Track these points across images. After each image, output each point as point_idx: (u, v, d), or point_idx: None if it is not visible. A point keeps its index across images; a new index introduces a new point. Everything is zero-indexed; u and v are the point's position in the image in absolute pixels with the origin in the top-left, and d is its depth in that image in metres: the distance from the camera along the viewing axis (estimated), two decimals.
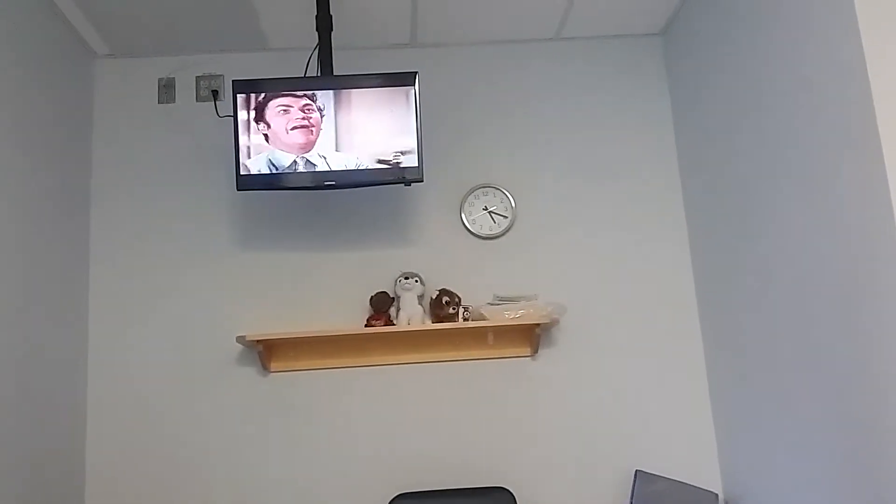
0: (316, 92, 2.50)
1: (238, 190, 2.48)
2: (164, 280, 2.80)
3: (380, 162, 2.48)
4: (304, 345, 2.75)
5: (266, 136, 2.48)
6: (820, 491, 2.05)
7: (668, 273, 2.86)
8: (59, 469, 2.50)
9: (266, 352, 2.69)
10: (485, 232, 2.86)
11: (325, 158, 2.46)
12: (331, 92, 2.50)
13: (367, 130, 2.49)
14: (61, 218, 2.61)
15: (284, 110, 2.49)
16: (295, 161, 2.47)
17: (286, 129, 2.48)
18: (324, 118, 2.49)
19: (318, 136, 2.48)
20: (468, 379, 2.77)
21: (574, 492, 2.70)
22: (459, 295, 2.73)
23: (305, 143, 2.48)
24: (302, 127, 2.48)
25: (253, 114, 2.49)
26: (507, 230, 2.87)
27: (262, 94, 2.51)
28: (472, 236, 2.87)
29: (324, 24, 2.61)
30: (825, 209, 1.94)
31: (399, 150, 2.49)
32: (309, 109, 2.49)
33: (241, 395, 2.73)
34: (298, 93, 2.50)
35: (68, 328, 2.62)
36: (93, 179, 2.86)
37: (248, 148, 2.49)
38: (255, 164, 2.48)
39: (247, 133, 2.49)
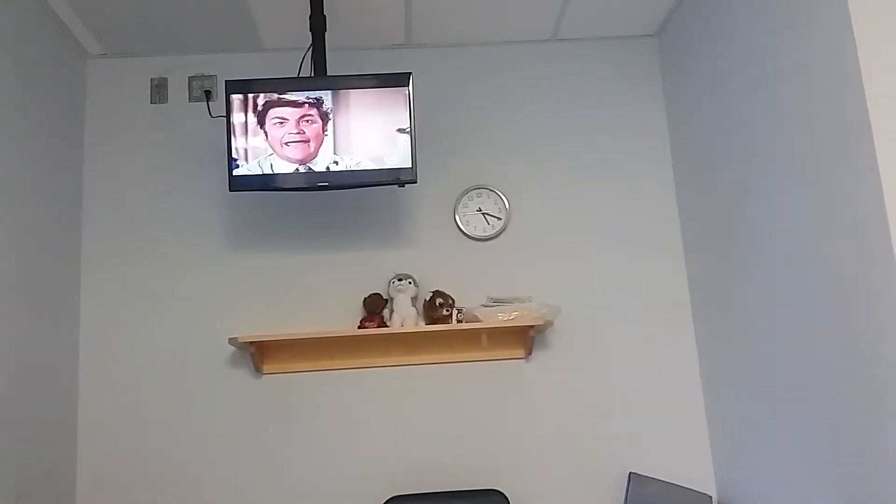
0: (321, 96, 2.44)
1: (231, 191, 2.47)
2: (156, 281, 2.79)
3: (374, 163, 2.47)
4: (297, 346, 2.74)
5: (267, 141, 2.45)
6: (814, 494, 2.04)
7: (662, 275, 2.86)
8: (50, 471, 2.48)
9: (258, 353, 2.68)
10: (479, 233, 2.85)
11: (327, 167, 2.43)
12: (329, 93, 2.46)
13: (361, 131, 2.48)
14: (53, 218, 2.59)
15: (280, 122, 2.44)
16: (297, 169, 2.45)
17: (280, 143, 2.44)
18: (328, 123, 2.44)
19: (321, 144, 2.43)
20: (462, 381, 2.76)
21: (567, 494, 2.69)
22: (453, 297, 2.72)
23: (303, 157, 2.44)
24: (296, 142, 2.43)
25: (254, 119, 2.44)
26: (501, 231, 2.86)
27: (263, 102, 2.45)
28: (465, 237, 2.86)
29: (318, 24, 2.60)
30: (820, 211, 1.94)
31: (393, 150, 2.48)
32: (308, 120, 2.43)
33: (234, 397, 2.72)
34: (300, 99, 2.45)
35: (59, 330, 2.60)
36: (84, 179, 2.85)
37: (246, 150, 2.46)
38: (253, 167, 2.45)
39: (244, 135, 2.47)
